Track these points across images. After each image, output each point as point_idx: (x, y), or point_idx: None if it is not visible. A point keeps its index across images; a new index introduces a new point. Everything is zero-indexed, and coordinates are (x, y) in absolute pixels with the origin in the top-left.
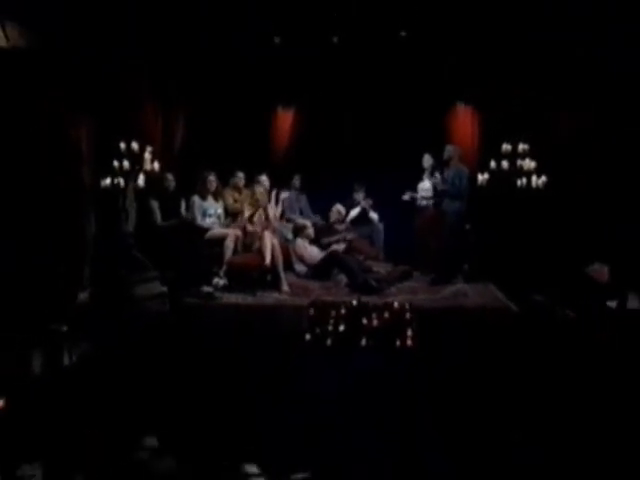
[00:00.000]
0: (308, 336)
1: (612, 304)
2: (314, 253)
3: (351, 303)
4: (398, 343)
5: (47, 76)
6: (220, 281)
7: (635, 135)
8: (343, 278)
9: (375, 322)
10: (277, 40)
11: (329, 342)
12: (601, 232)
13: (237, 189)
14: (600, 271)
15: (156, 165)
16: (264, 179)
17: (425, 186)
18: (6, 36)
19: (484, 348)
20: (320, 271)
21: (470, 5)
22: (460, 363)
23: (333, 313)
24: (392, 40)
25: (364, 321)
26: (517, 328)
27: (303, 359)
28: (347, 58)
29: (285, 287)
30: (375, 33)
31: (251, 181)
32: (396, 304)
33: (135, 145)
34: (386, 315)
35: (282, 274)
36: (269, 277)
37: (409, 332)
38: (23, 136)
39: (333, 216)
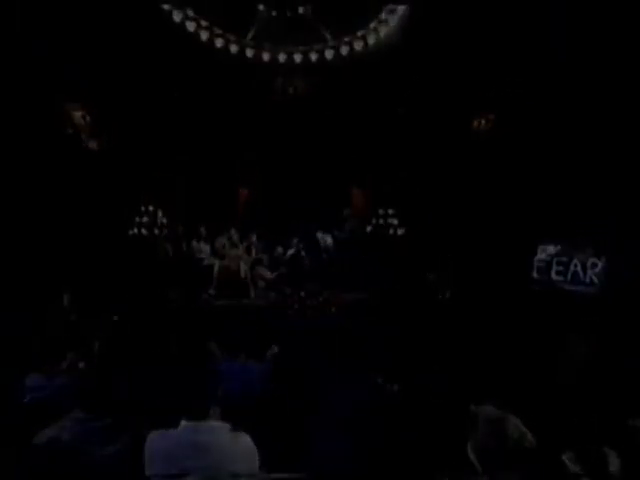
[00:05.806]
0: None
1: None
2: (268, 274)
3: (300, 294)
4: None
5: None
6: (212, 291)
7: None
8: (288, 289)
9: (314, 302)
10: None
11: (290, 312)
12: (431, 257)
13: (230, 240)
14: (432, 277)
15: (164, 220)
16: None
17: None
18: (100, 144)
19: (367, 311)
20: (273, 285)
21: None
22: (358, 317)
23: (290, 299)
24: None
25: (308, 302)
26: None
27: (274, 323)
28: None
29: (252, 294)
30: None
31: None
32: (325, 293)
33: (150, 207)
34: (320, 299)
35: (250, 286)
36: (242, 288)
37: (332, 308)
38: (95, 203)
39: (276, 253)
